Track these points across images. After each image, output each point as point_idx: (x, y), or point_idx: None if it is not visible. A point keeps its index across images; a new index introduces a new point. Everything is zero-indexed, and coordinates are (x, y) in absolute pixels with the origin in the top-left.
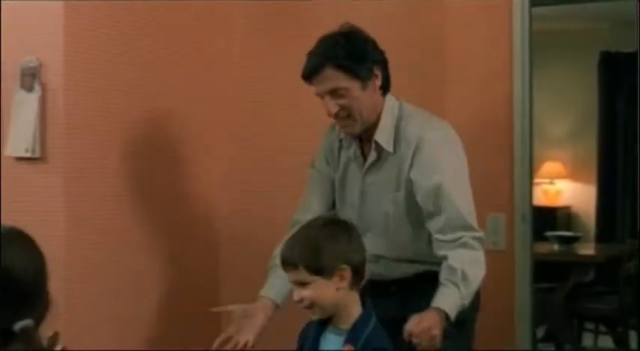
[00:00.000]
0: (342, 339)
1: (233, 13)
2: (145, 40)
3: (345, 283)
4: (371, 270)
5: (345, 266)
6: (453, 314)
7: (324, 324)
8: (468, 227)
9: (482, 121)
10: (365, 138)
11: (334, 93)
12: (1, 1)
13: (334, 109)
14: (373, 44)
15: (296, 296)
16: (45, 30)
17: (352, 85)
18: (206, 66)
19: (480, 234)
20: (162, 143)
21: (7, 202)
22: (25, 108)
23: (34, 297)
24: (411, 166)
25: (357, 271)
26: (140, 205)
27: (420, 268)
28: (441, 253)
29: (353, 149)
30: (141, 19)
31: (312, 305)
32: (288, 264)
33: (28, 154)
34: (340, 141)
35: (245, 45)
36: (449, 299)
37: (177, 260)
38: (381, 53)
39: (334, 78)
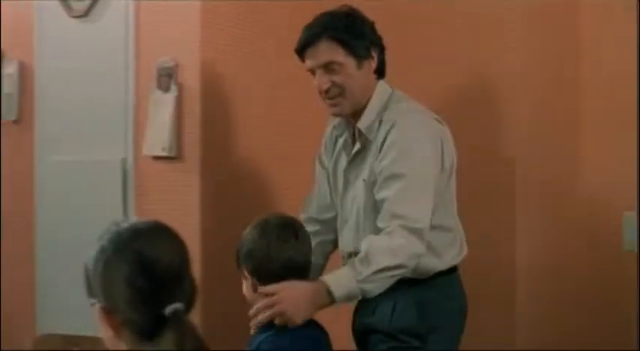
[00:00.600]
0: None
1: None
2: (270, 39)
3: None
4: None
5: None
6: (338, 292)
7: None
8: (401, 216)
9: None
10: (354, 125)
11: (328, 67)
12: (140, 2)
13: (326, 85)
14: (372, 26)
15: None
16: (181, 30)
17: (348, 62)
18: None
19: (414, 224)
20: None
21: (144, 198)
22: (161, 108)
23: (182, 283)
24: (381, 151)
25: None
26: (272, 203)
27: None
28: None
29: (344, 136)
30: (269, 17)
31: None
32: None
33: (165, 153)
34: (334, 127)
35: None
36: (338, 276)
37: None
38: (379, 38)
39: (330, 51)
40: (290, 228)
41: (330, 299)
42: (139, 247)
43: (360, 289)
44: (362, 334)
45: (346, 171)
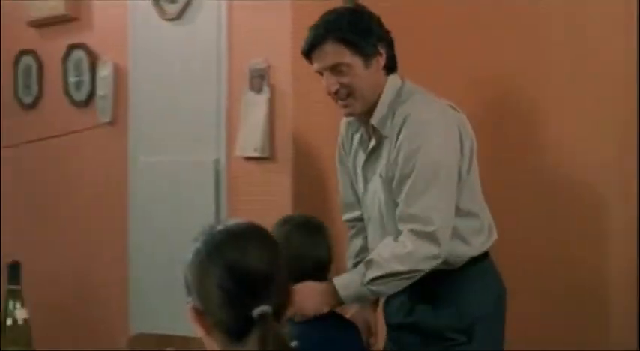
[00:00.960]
0: None
1: None
2: None
3: None
4: None
5: None
6: (344, 292)
7: None
8: (411, 219)
9: None
10: (367, 122)
11: (335, 69)
12: (232, 4)
13: (334, 87)
14: (378, 21)
15: None
16: (273, 32)
17: (355, 62)
18: None
19: (424, 228)
20: None
21: (237, 199)
22: (253, 109)
23: (271, 285)
24: (395, 147)
25: None
26: None
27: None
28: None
29: (360, 133)
30: None
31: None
32: None
33: (257, 154)
34: (348, 124)
35: None
36: (346, 277)
37: None
38: (387, 32)
39: (336, 52)
40: (317, 227)
41: (339, 299)
42: (231, 251)
43: (369, 290)
44: (399, 330)
45: (364, 168)
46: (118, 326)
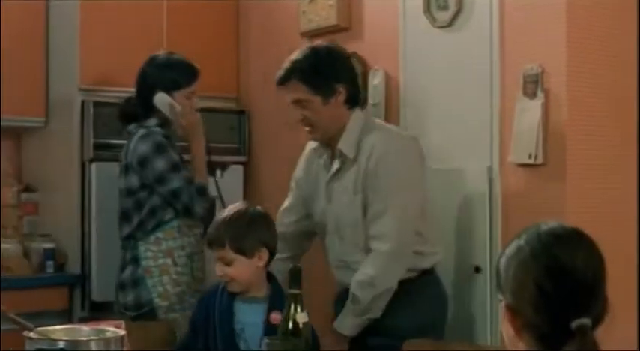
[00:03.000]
0: (261, 306)
1: None
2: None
3: (262, 263)
4: (339, 276)
5: (263, 249)
6: (348, 331)
7: (232, 294)
8: (383, 237)
9: None
10: (333, 147)
11: (298, 103)
12: (505, 9)
13: (297, 118)
14: (344, 61)
15: (219, 271)
16: (546, 35)
17: (314, 99)
18: None
19: (391, 246)
20: None
21: (510, 206)
22: (527, 115)
23: (593, 297)
24: (365, 173)
25: (272, 254)
26: None
27: None
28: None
29: (324, 157)
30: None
31: (232, 279)
32: (214, 243)
33: (531, 161)
34: (314, 150)
35: None
36: (346, 320)
37: None
38: (351, 70)
39: (298, 90)
40: (266, 215)
41: (344, 336)
42: (556, 252)
43: (365, 319)
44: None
45: (328, 187)
46: None
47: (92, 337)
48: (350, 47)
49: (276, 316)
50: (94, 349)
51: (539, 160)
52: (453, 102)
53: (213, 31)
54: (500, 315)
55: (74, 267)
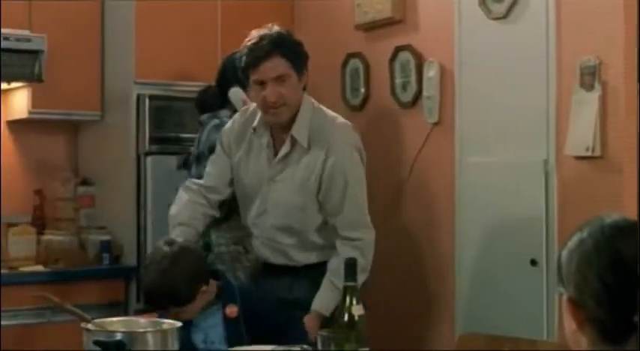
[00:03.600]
0: (215, 307)
1: None
2: None
3: (211, 291)
4: (266, 254)
5: (204, 287)
6: (329, 312)
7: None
8: (363, 226)
9: None
10: (278, 130)
11: (279, 79)
12: (562, 1)
13: (274, 97)
14: (302, 45)
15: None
16: (604, 27)
17: (293, 75)
18: None
19: (371, 234)
20: None
21: (567, 199)
22: (584, 107)
23: None
24: (322, 167)
25: (214, 278)
26: None
27: (322, 256)
28: (338, 247)
29: (266, 138)
30: None
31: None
32: (157, 306)
33: (588, 153)
34: (254, 129)
35: None
36: (329, 302)
37: None
38: (306, 54)
39: (281, 65)
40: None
41: (324, 317)
42: (619, 245)
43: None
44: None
45: (273, 167)
46: (445, 325)
47: (149, 329)
48: (404, 39)
49: (231, 310)
50: (150, 341)
51: (597, 153)
52: (509, 94)
53: (269, 22)
54: (561, 309)
55: (130, 259)
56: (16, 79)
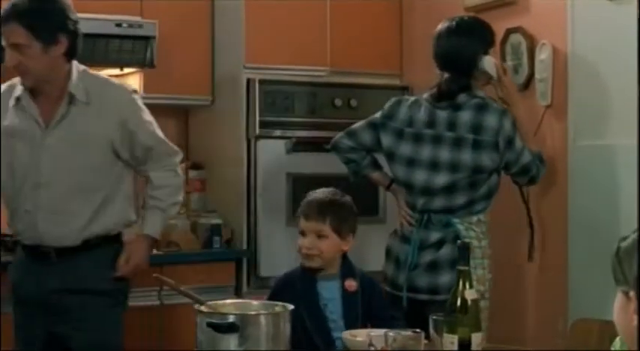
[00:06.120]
0: (337, 282)
1: None
2: None
3: (347, 247)
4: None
5: (352, 236)
6: (159, 235)
7: (311, 276)
8: (174, 152)
9: None
10: (45, 95)
11: (15, 47)
12: None
13: (11, 63)
14: (66, 13)
15: (308, 243)
16: None
17: (33, 45)
18: None
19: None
20: None
21: None
22: None
23: None
24: (121, 125)
25: None
26: None
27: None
28: (148, 174)
29: (30, 105)
30: None
31: (317, 255)
32: (316, 215)
33: None
34: (18, 98)
35: None
36: (157, 226)
37: None
38: (74, 23)
39: (17, 34)
40: None
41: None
42: None
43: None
44: (59, 293)
45: (48, 133)
46: (558, 311)
47: (262, 312)
48: (516, 21)
49: (350, 283)
50: (263, 323)
51: None
52: (623, 76)
53: (377, 6)
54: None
55: (240, 243)
56: (129, 65)
